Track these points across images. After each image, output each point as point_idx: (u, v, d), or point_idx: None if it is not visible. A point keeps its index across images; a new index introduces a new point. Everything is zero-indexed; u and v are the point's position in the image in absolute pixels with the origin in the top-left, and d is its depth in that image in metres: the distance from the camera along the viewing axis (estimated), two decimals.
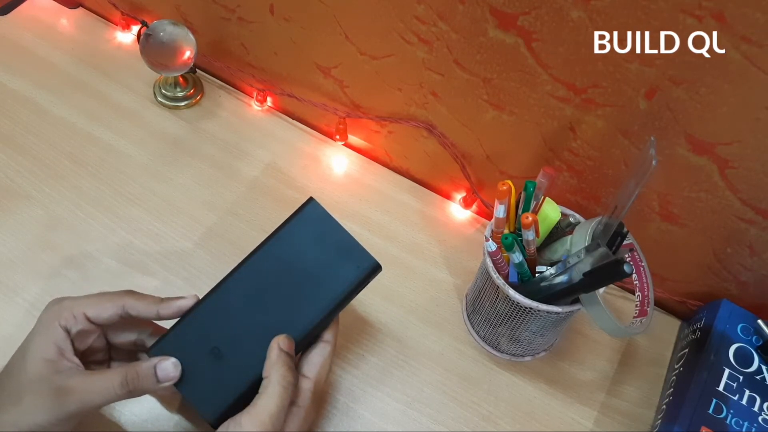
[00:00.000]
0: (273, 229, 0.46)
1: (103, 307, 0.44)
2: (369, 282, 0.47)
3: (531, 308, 0.50)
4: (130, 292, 0.45)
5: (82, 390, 0.41)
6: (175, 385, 0.43)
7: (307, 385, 0.44)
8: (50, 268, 0.59)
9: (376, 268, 0.46)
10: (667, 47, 0.45)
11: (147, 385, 0.42)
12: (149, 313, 0.45)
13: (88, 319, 0.44)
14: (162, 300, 0.45)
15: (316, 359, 0.45)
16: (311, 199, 0.46)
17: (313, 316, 0.45)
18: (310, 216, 0.46)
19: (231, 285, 0.45)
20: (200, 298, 0.45)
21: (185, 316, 0.44)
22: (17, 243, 0.60)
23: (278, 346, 0.42)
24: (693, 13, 0.42)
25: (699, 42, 0.43)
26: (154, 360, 0.43)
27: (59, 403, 0.40)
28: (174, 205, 0.65)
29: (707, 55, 0.44)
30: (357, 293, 0.46)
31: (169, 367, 0.42)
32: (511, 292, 0.50)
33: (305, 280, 0.45)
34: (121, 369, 0.42)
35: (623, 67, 0.47)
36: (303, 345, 0.45)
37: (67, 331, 0.43)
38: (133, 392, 0.42)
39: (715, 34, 0.42)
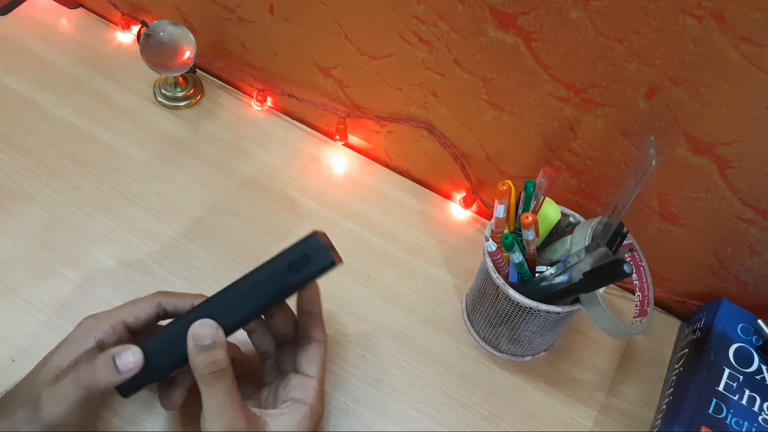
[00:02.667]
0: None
1: (140, 309, 0.45)
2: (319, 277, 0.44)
3: (531, 308, 0.50)
4: (162, 292, 0.47)
5: (46, 398, 0.40)
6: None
7: (311, 384, 0.44)
8: (50, 268, 0.59)
9: (329, 265, 0.43)
10: (666, 47, 0.45)
11: (105, 378, 0.40)
12: (186, 306, 0.46)
13: (128, 327, 0.44)
14: (199, 296, 0.46)
15: (315, 357, 0.45)
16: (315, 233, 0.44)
17: (248, 305, 0.43)
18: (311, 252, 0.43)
19: (220, 299, 0.44)
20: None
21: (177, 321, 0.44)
22: (17, 243, 0.60)
23: (192, 343, 0.41)
24: (693, 13, 0.42)
25: (699, 42, 0.43)
26: (111, 351, 0.41)
27: (35, 413, 0.39)
28: (174, 205, 0.65)
29: (707, 56, 0.44)
30: (304, 284, 0.44)
31: (128, 356, 0.41)
32: (511, 292, 0.50)
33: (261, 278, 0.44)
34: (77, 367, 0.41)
35: (623, 67, 0.47)
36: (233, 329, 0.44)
37: (101, 346, 0.43)
38: (90, 388, 0.40)
39: (714, 34, 0.42)
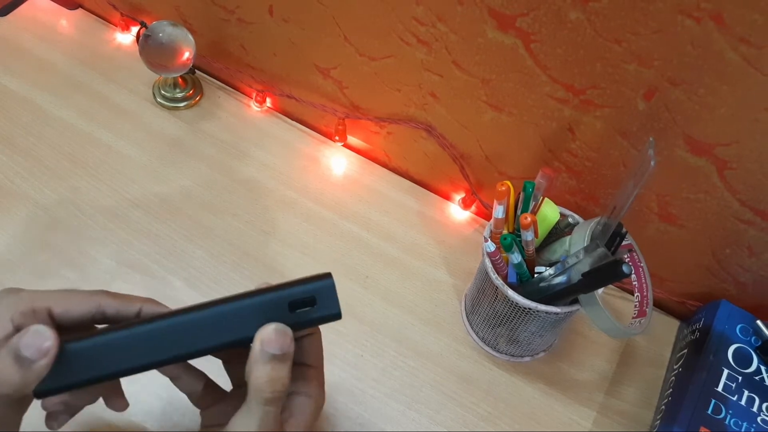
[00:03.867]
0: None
1: (74, 302, 0.36)
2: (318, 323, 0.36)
3: (530, 309, 0.50)
4: (106, 292, 0.38)
5: None
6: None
7: (314, 374, 0.38)
8: (49, 269, 0.59)
9: (335, 316, 0.36)
10: (665, 48, 0.45)
11: (10, 378, 0.31)
12: (130, 311, 0.37)
13: (52, 318, 0.36)
14: (148, 300, 0.38)
15: (315, 346, 0.39)
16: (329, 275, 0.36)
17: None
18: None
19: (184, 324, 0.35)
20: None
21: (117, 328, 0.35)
22: (16, 243, 0.60)
23: (261, 346, 0.33)
24: (691, 15, 0.42)
25: (697, 43, 0.43)
26: (15, 338, 0.31)
27: None
28: (173, 206, 0.65)
29: (705, 57, 0.44)
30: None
31: (30, 341, 0.31)
32: (510, 293, 0.50)
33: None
34: None
35: (622, 68, 0.47)
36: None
37: (18, 330, 0.34)
38: None
39: (713, 35, 0.42)
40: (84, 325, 0.37)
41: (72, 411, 0.39)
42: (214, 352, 0.34)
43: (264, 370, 0.33)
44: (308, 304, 0.35)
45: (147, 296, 0.39)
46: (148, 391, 0.52)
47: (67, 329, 0.36)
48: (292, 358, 0.34)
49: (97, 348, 0.34)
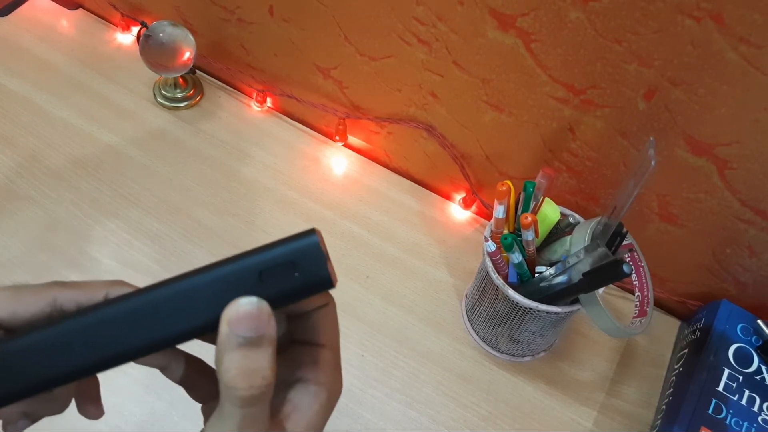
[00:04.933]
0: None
1: (21, 303, 0.30)
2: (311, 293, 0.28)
3: (530, 308, 0.50)
4: (60, 282, 0.30)
5: None
6: None
7: (323, 355, 0.29)
8: (50, 269, 0.59)
9: (323, 283, 0.27)
10: (665, 48, 0.45)
11: None
12: (93, 300, 0.30)
13: None
14: (116, 282, 0.30)
15: (328, 321, 0.30)
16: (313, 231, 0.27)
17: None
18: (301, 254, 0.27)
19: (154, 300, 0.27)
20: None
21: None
22: (17, 244, 0.61)
23: (227, 328, 0.25)
24: (691, 14, 0.42)
25: (697, 43, 0.43)
26: None
27: None
28: (173, 206, 0.65)
29: (706, 57, 0.44)
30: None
31: None
32: (511, 293, 0.50)
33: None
34: None
35: (622, 68, 0.47)
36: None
37: None
38: None
39: (713, 35, 0.42)
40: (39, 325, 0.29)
41: (33, 418, 0.33)
42: (176, 343, 0.27)
43: (234, 359, 0.25)
44: (284, 273, 0.27)
45: None
46: (149, 390, 0.52)
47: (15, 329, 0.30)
48: (274, 341, 0.26)
49: (24, 351, 0.27)
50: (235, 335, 0.25)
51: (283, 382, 0.29)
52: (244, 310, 0.25)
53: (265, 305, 0.26)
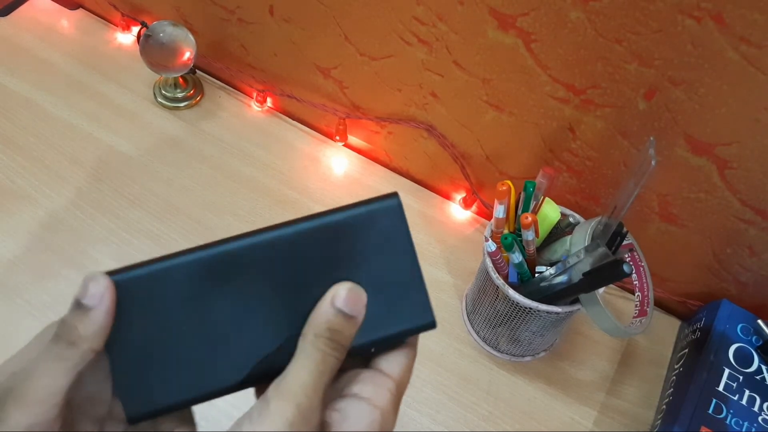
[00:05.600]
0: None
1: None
2: (412, 335, 0.33)
3: (530, 308, 0.50)
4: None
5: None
6: (107, 348, 0.29)
7: (386, 384, 0.30)
8: (50, 269, 0.59)
9: (428, 326, 0.32)
10: (666, 48, 0.45)
11: (77, 330, 0.28)
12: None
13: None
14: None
15: (400, 359, 0.32)
16: (395, 195, 0.31)
17: None
18: (382, 214, 0.31)
19: (248, 247, 0.30)
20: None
21: (167, 258, 0.30)
22: (17, 244, 0.61)
23: (331, 299, 0.29)
24: (691, 14, 0.42)
25: (698, 43, 0.43)
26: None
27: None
28: (174, 206, 0.65)
29: (706, 56, 0.44)
30: (394, 344, 0.32)
31: (89, 285, 0.29)
32: (511, 292, 0.50)
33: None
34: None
35: (622, 67, 0.47)
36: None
37: None
38: (65, 353, 0.27)
39: (713, 35, 0.42)
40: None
41: None
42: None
43: (328, 313, 0.28)
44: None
45: None
46: None
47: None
48: (359, 324, 0.29)
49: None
50: (334, 304, 0.28)
51: (340, 393, 0.30)
52: (348, 290, 0.29)
53: (363, 293, 0.29)
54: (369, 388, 0.30)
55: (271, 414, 0.26)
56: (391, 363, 0.31)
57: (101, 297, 0.28)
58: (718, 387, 0.53)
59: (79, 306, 0.28)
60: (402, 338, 0.32)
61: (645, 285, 0.52)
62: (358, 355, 0.31)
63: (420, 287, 0.31)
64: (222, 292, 0.30)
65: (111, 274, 0.29)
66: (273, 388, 0.27)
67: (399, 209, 0.30)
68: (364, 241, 0.30)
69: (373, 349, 0.31)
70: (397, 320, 0.31)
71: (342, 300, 0.29)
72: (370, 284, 0.30)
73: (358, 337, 0.29)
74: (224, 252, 0.30)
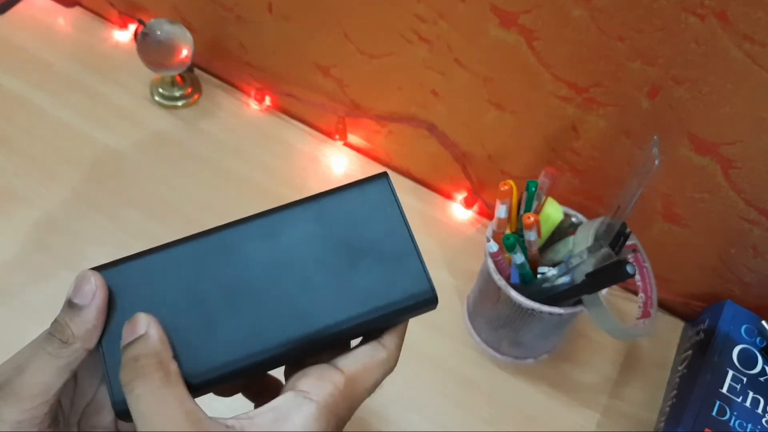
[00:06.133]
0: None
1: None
2: (413, 315, 0.32)
3: (533, 310, 0.49)
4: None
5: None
6: (100, 341, 0.28)
7: (332, 377, 0.29)
8: (46, 270, 0.59)
9: (428, 302, 0.32)
10: (669, 46, 0.44)
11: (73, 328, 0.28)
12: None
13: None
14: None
15: (360, 356, 0.30)
16: (385, 174, 0.33)
17: (337, 317, 0.30)
18: (372, 193, 0.32)
19: (241, 231, 0.31)
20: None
21: (158, 249, 0.31)
22: (13, 244, 0.60)
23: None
24: (695, 12, 0.42)
25: (701, 41, 0.43)
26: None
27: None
28: (171, 206, 0.64)
29: (710, 55, 0.43)
30: (396, 320, 0.32)
31: (81, 284, 0.28)
32: (513, 294, 0.49)
33: (338, 265, 0.31)
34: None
35: (625, 66, 0.47)
36: (313, 348, 0.30)
37: None
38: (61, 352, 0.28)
39: (717, 33, 0.42)
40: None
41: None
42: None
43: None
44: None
45: None
46: None
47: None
48: (158, 334, 0.28)
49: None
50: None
51: (282, 390, 0.29)
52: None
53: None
54: (310, 381, 0.29)
55: None
56: (348, 358, 0.30)
57: (93, 295, 0.28)
58: (721, 389, 0.53)
59: (71, 305, 0.28)
60: (403, 315, 0.31)
61: (648, 286, 0.51)
62: (355, 334, 0.30)
63: (415, 258, 0.31)
64: (217, 278, 0.30)
65: (101, 268, 0.29)
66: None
67: (388, 185, 0.32)
68: (355, 218, 0.31)
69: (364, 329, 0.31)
70: (393, 290, 0.31)
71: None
72: (363, 257, 0.30)
73: (352, 309, 0.30)
74: (216, 237, 0.30)
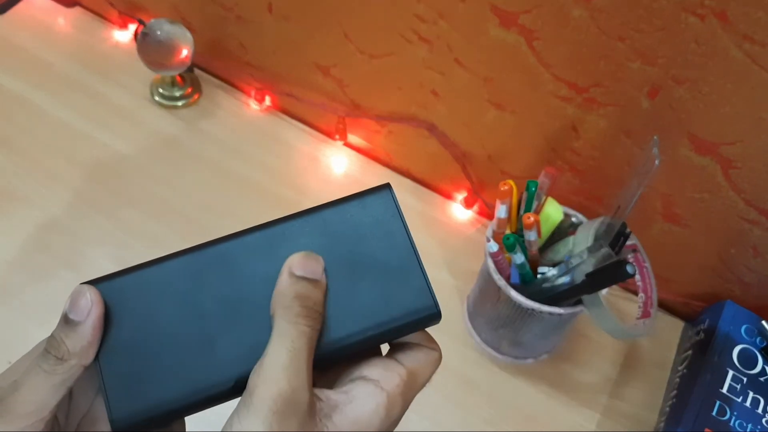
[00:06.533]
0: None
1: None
2: (416, 329, 0.32)
3: (533, 310, 0.49)
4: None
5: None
6: (97, 357, 0.28)
7: (397, 369, 0.30)
8: (46, 270, 0.59)
9: (432, 317, 0.32)
10: (669, 46, 0.44)
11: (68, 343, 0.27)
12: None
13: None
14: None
15: (417, 354, 0.31)
16: (388, 186, 0.32)
17: (343, 331, 0.30)
18: (375, 206, 0.32)
19: (241, 244, 0.31)
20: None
21: (155, 262, 0.30)
22: (13, 244, 0.60)
23: (289, 269, 0.28)
24: (695, 12, 0.42)
25: (702, 41, 0.43)
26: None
27: None
28: (171, 206, 0.64)
29: (710, 55, 0.43)
30: (399, 335, 0.32)
31: (77, 299, 0.28)
32: (513, 294, 0.49)
33: (342, 279, 0.30)
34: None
35: (625, 66, 0.47)
36: (314, 364, 0.29)
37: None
38: (56, 369, 0.27)
39: (717, 33, 0.42)
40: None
41: None
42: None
43: (289, 282, 0.28)
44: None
45: None
46: None
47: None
48: (324, 289, 0.29)
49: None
50: (293, 272, 0.28)
51: (350, 377, 0.30)
52: (302, 257, 0.29)
53: (320, 258, 0.29)
54: (378, 371, 0.29)
55: (254, 407, 0.25)
56: (407, 354, 0.31)
57: (89, 311, 0.28)
58: (722, 389, 0.53)
59: (67, 321, 0.28)
60: (406, 330, 0.31)
61: (648, 286, 0.51)
62: (359, 349, 0.30)
63: (418, 273, 0.31)
64: (215, 292, 0.29)
65: (97, 281, 0.29)
66: (254, 377, 0.26)
67: (391, 198, 0.31)
68: (358, 232, 0.31)
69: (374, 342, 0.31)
70: (396, 305, 0.30)
71: (299, 266, 0.28)
72: (367, 272, 0.30)
73: (358, 323, 0.29)
74: (215, 250, 0.30)
